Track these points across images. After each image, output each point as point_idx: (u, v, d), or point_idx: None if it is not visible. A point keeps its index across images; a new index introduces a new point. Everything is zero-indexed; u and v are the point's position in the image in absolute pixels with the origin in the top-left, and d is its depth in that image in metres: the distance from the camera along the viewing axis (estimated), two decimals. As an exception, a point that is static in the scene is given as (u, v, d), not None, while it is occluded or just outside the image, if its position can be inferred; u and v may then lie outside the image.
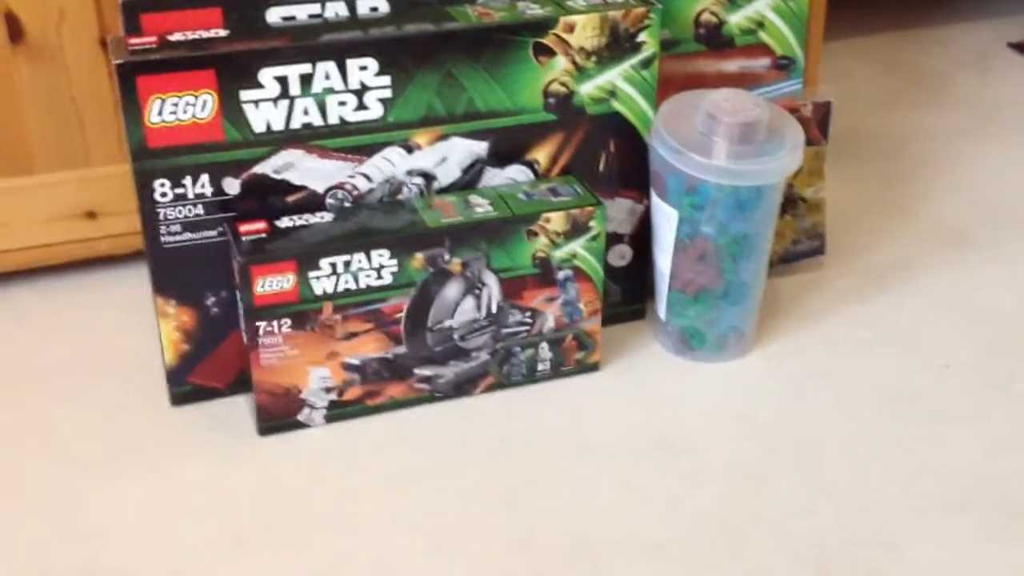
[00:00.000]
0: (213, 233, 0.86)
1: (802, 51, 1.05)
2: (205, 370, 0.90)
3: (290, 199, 0.87)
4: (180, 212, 0.84)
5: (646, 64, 0.93)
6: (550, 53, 0.90)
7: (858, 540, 0.80)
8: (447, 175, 0.91)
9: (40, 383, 0.94)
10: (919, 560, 0.78)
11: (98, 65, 0.96)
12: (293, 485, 0.84)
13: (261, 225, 0.85)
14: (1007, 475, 0.86)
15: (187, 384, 0.90)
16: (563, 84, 0.91)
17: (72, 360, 0.96)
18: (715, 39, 1.01)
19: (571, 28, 0.89)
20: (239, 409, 0.90)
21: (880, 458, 0.87)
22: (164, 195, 0.84)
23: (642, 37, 0.91)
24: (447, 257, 0.88)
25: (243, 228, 0.84)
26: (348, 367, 0.88)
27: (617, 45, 0.91)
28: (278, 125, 0.84)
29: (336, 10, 0.88)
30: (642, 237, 0.99)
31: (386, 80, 0.86)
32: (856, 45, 1.56)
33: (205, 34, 0.84)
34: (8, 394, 0.93)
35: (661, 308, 0.99)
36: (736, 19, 1.01)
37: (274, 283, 0.83)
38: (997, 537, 0.80)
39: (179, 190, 0.84)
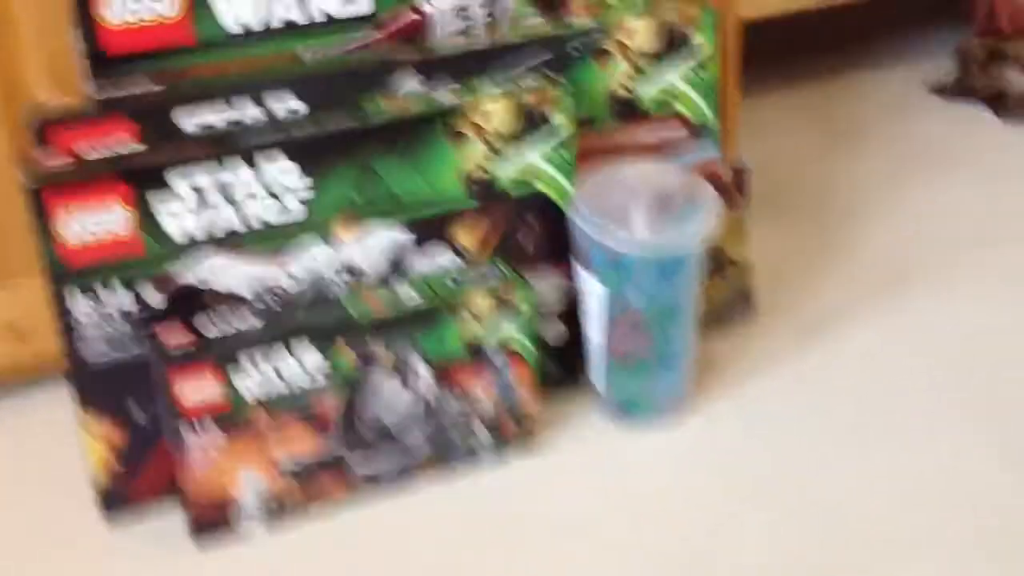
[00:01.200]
0: (138, 347, 0.85)
1: (716, 116, 1.07)
2: (138, 486, 0.89)
3: (215, 306, 0.87)
4: (102, 329, 0.84)
5: (563, 143, 0.94)
6: (466, 139, 0.91)
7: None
8: (372, 266, 0.91)
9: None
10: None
11: (14, 180, 0.96)
12: (235, 595, 0.83)
13: (185, 334, 0.84)
14: (958, 516, 0.86)
15: (120, 501, 0.89)
16: (482, 168, 0.92)
17: (2, 483, 0.94)
18: (630, 112, 1.03)
19: (485, 114, 0.90)
20: (175, 521, 0.89)
21: (826, 509, 0.88)
22: (84, 313, 0.83)
23: (556, 117, 0.93)
24: (377, 351, 0.87)
25: (167, 338, 0.84)
26: (283, 470, 0.87)
27: (532, 127, 0.92)
28: (198, 233, 0.84)
29: (252, 113, 0.89)
30: (573, 312, 1.00)
31: (304, 180, 0.86)
32: (776, 98, 1.59)
33: (119, 148, 0.84)
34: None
35: (598, 379, 0.99)
36: (649, 91, 1.03)
37: (200, 391, 0.82)
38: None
39: (99, 306, 0.83)
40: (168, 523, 0.89)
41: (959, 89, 1.58)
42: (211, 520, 0.86)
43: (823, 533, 0.86)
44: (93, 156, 0.82)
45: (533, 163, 0.94)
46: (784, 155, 1.43)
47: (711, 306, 1.07)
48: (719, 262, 1.06)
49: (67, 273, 0.82)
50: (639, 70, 1.01)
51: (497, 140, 0.92)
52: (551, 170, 0.95)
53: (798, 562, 0.83)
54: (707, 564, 0.83)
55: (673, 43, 1.02)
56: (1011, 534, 0.85)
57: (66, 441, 0.94)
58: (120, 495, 0.89)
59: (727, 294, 1.08)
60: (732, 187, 1.04)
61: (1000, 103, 1.52)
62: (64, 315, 0.83)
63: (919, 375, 1.03)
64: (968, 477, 0.91)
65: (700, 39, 1.02)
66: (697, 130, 1.06)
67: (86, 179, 0.80)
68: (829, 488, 0.90)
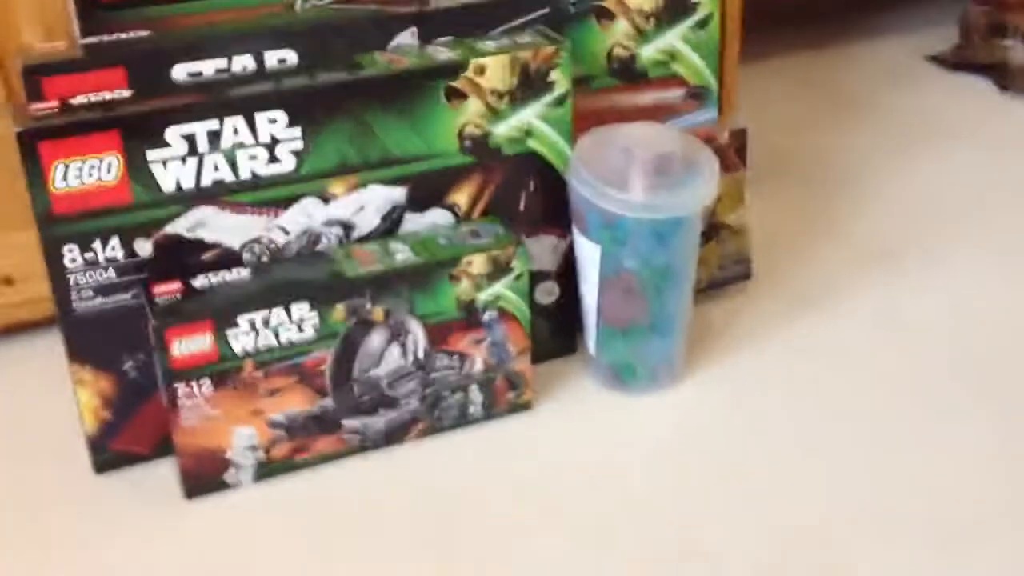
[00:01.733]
0: (127, 296, 0.84)
1: (716, 80, 1.06)
2: (127, 436, 0.88)
3: (205, 257, 0.86)
4: (91, 277, 0.83)
5: (560, 102, 0.93)
6: (462, 96, 0.90)
7: (798, 565, 0.80)
8: (366, 223, 0.90)
9: (-41, 458, 0.92)
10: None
11: (6, 131, 0.94)
12: (224, 549, 0.82)
13: (175, 286, 0.84)
14: (946, 490, 0.86)
15: (109, 451, 0.88)
16: (478, 126, 0.91)
17: (-8, 432, 0.94)
18: (628, 73, 1.01)
19: (482, 70, 0.89)
20: (165, 473, 0.89)
21: (815, 479, 0.88)
22: (74, 261, 0.82)
23: (553, 75, 0.92)
24: (369, 306, 0.87)
25: (157, 290, 0.83)
26: (274, 424, 0.87)
27: (529, 85, 0.91)
28: (188, 183, 0.83)
29: (244, 64, 0.88)
30: (568, 273, 0.99)
31: (296, 132, 0.85)
32: (773, 67, 1.58)
33: (109, 96, 0.82)
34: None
35: (591, 343, 0.98)
36: (648, 52, 1.01)
37: (191, 344, 0.82)
38: (941, 555, 0.80)
39: (89, 255, 0.82)
40: (158, 474, 0.88)
41: (959, 59, 1.57)
42: (201, 472, 0.86)
43: (814, 504, 0.86)
44: (84, 104, 0.81)
45: (530, 122, 0.93)
46: (782, 122, 1.42)
47: (706, 271, 1.06)
48: (715, 227, 1.06)
49: (57, 222, 0.81)
50: (639, 30, 1.00)
51: (494, 98, 0.90)
52: (548, 129, 0.94)
53: (787, 533, 0.83)
54: (694, 533, 0.83)
55: (674, 2, 1.00)
56: (1010, 511, 0.85)
57: (56, 390, 0.94)
58: (110, 445, 0.88)
59: (722, 259, 1.08)
60: (730, 150, 1.03)
61: (1000, 74, 1.51)
62: (54, 264, 0.82)
63: (913, 345, 1.03)
64: (961, 448, 0.91)
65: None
66: (696, 93, 1.05)
67: (76, 127, 0.79)
68: (820, 459, 0.90)
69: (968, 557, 0.80)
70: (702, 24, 1.02)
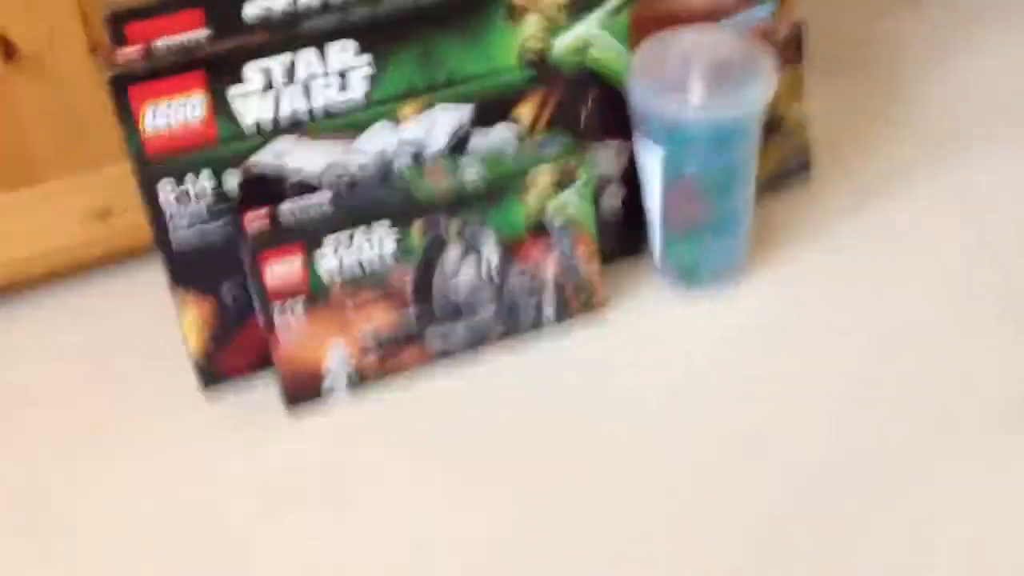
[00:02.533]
0: (220, 225, 0.90)
1: (772, -24, 1.06)
2: (229, 356, 0.95)
3: (288, 185, 0.91)
4: (187, 210, 0.88)
5: (617, 11, 0.95)
6: (522, 12, 0.92)
7: (884, 463, 0.82)
8: (435, 143, 0.94)
9: (72, 377, 0.98)
10: (942, 478, 0.80)
11: (92, 74, 0.99)
12: (324, 456, 0.89)
13: (263, 213, 0.89)
14: (996, 394, 0.87)
15: (214, 370, 0.95)
16: (538, 41, 0.93)
17: (102, 354, 1.00)
18: (683, -24, 1.02)
19: (539, -14, 0.91)
20: (266, 390, 0.95)
21: (888, 380, 0.89)
22: (169, 196, 0.88)
23: (610, -14, 0.93)
24: (444, 223, 0.91)
25: (247, 217, 0.88)
26: (363, 338, 0.93)
27: (586, -4, 0.93)
28: (268, 116, 0.88)
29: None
30: (632, 176, 1.02)
31: (366, 59, 0.89)
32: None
33: (189, 36, 0.87)
34: (43, 389, 0.97)
35: (656, 247, 1.02)
36: (702, -47, 1.02)
37: (282, 267, 0.87)
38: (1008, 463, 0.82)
39: (183, 189, 0.88)
40: (261, 393, 0.95)
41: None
42: (299, 385, 0.93)
43: (884, 408, 0.88)
44: (166, 47, 0.85)
45: (589, 33, 0.95)
46: (841, 12, 1.41)
47: (766, 167, 1.08)
48: (774, 122, 1.07)
49: (151, 161, 0.86)
50: (692, -68, 1.00)
51: (553, 11, 0.92)
52: (607, 38, 0.96)
53: (857, 440, 0.85)
54: (763, 437, 0.86)
55: (727, -97, 1.00)
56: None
57: (159, 317, 1.01)
58: (214, 364, 0.95)
59: (782, 155, 1.09)
60: (788, 43, 1.04)
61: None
62: (151, 200, 0.87)
63: (982, 230, 1.02)
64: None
65: None
66: (752, -9, 1.06)
67: (163, 70, 0.83)
68: (890, 361, 0.91)
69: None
70: (756, -79, 1.02)
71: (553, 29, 0.93)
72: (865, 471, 0.83)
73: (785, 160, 1.10)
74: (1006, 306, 0.95)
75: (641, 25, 0.99)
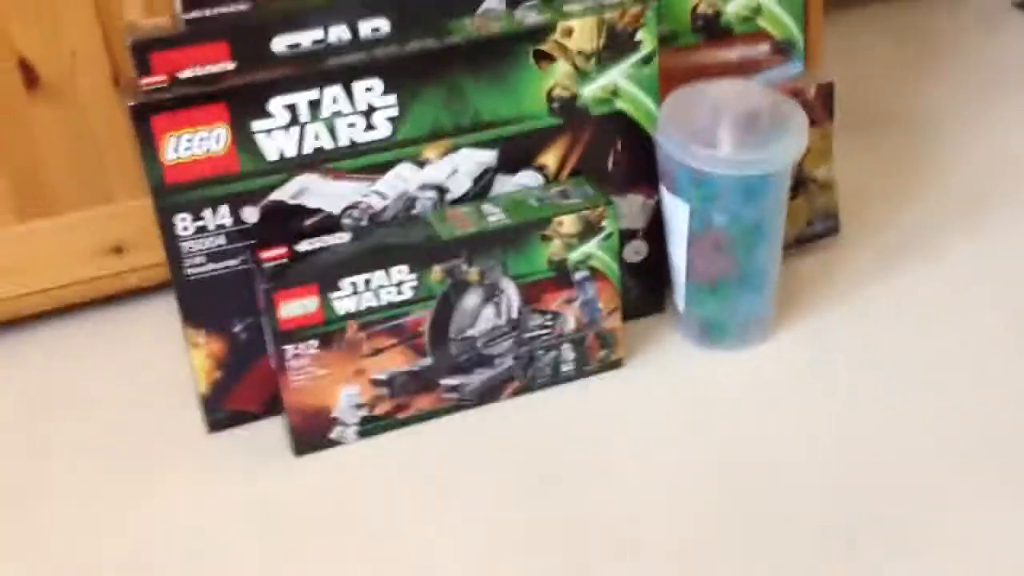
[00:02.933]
0: (236, 261, 0.88)
1: (801, 33, 1.05)
2: (238, 395, 0.92)
3: (308, 223, 0.89)
4: (203, 244, 0.87)
5: (646, 61, 0.94)
6: (550, 59, 0.91)
7: (889, 527, 0.81)
8: (459, 186, 0.93)
9: (79, 417, 0.97)
10: (958, 531, 0.79)
11: (113, 103, 0.99)
12: (332, 501, 0.86)
13: (282, 250, 0.87)
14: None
15: (222, 410, 0.93)
16: (565, 88, 0.92)
17: (109, 393, 0.99)
18: (713, 29, 1.02)
19: (569, 32, 0.90)
20: (274, 431, 0.93)
21: (913, 438, 0.88)
22: (186, 229, 0.86)
23: (639, 35, 0.93)
24: (464, 267, 0.89)
25: (264, 255, 0.87)
26: (376, 383, 0.90)
27: (615, 45, 0.92)
28: (290, 152, 0.86)
29: (339, 34, 0.90)
30: (656, 231, 1.00)
31: (392, 99, 0.88)
32: (861, 15, 1.56)
33: (214, 68, 0.86)
34: (50, 430, 0.96)
35: (680, 300, 1.00)
36: (733, 8, 1.01)
37: (298, 307, 0.85)
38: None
39: (200, 223, 0.86)
40: (267, 431, 0.93)
41: (1051, 5, 1.52)
42: (309, 429, 0.90)
43: (907, 464, 0.86)
44: (191, 77, 0.84)
45: (617, 82, 0.94)
46: (868, 73, 1.41)
47: (794, 226, 1.06)
48: (802, 181, 1.06)
49: (170, 192, 0.84)
50: (724, -14, 1.00)
51: (581, 59, 0.92)
52: (633, 88, 0.95)
53: (879, 495, 0.83)
54: (785, 491, 0.84)
55: (760, -42, 1.00)
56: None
57: (169, 352, 0.99)
58: (222, 404, 0.92)
59: (810, 213, 1.08)
60: (817, 103, 1.03)
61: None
62: (168, 232, 0.86)
63: (1009, 298, 1.01)
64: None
65: (788, -47, 1.01)
66: (782, 47, 1.05)
67: (186, 100, 0.82)
68: (915, 419, 0.90)
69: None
70: (788, -22, 1.02)
71: (581, 76, 0.92)
72: (879, 529, 0.80)
73: (813, 219, 1.08)
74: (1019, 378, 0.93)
75: (670, 76, 0.99)
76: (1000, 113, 1.31)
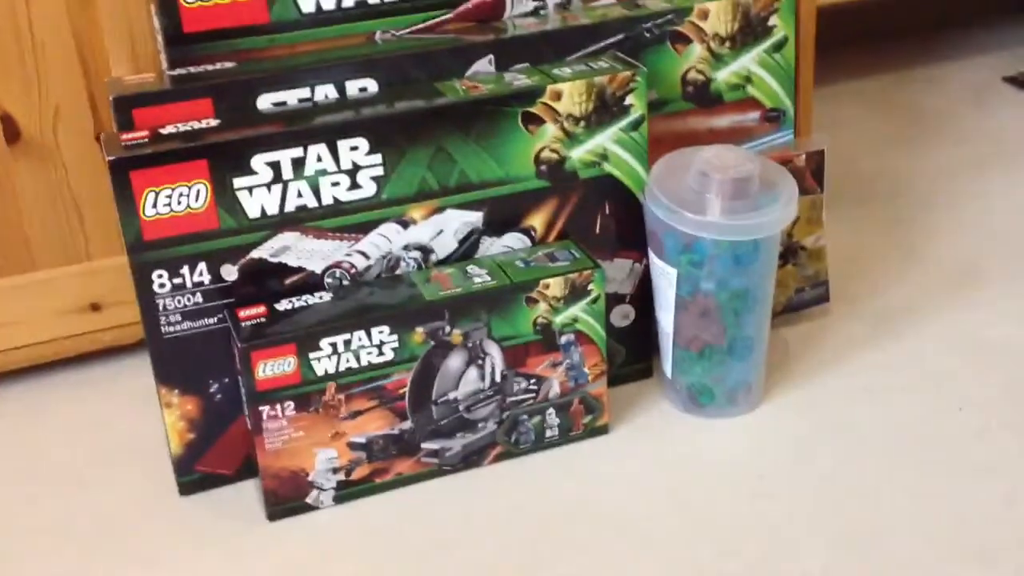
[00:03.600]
0: (213, 320, 0.86)
1: (791, 102, 1.05)
2: (212, 458, 0.90)
3: (288, 281, 0.87)
4: (179, 302, 0.85)
5: (635, 126, 0.93)
6: (539, 121, 0.90)
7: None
8: (444, 247, 0.91)
9: (50, 477, 0.94)
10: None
11: (95, 160, 0.97)
12: (306, 569, 0.83)
13: (260, 309, 0.85)
14: (1012, 540, 0.84)
15: (195, 472, 0.90)
16: (554, 151, 0.92)
17: (82, 454, 0.96)
18: (703, 97, 1.01)
19: (558, 96, 0.90)
20: (248, 494, 0.90)
21: (899, 510, 0.86)
22: (163, 286, 0.84)
23: (629, 100, 0.92)
24: (447, 329, 0.87)
25: (242, 313, 0.85)
26: (354, 446, 0.88)
27: (605, 109, 0.92)
28: (272, 209, 0.85)
29: (326, 93, 0.90)
30: (644, 296, 0.99)
31: (377, 159, 0.87)
32: (850, 88, 1.57)
33: (197, 125, 0.85)
34: (21, 489, 0.93)
35: (667, 366, 0.98)
36: (723, 76, 1.01)
37: (275, 367, 0.83)
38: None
39: (177, 280, 0.84)
40: (242, 495, 0.90)
41: (1039, 79, 1.54)
42: (283, 493, 0.87)
43: (895, 533, 0.84)
44: (172, 134, 0.84)
45: (605, 146, 0.93)
46: (858, 144, 1.41)
47: (783, 294, 1.05)
48: (792, 249, 1.05)
49: (147, 248, 0.83)
50: (714, 54, 1.00)
51: (570, 122, 0.91)
52: (622, 152, 0.94)
53: (869, 563, 0.81)
54: (774, 560, 0.82)
55: (749, 26, 1.00)
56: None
57: (142, 413, 0.96)
58: (195, 467, 0.90)
59: (800, 282, 1.07)
60: (807, 172, 1.02)
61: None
62: (144, 289, 0.84)
63: (997, 370, 1.00)
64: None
65: (777, 22, 1.01)
66: (772, 115, 1.05)
67: (166, 156, 0.81)
68: (902, 488, 0.88)
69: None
70: (777, 47, 1.02)
71: (570, 140, 0.91)
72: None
73: (803, 287, 1.07)
74: (1015, 441, 0.91)
75: (660, 142, 0.98)
76: (988, 187, 1.31)
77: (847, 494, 0.87)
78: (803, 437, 0.94)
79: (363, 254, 0.89)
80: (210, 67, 0.89)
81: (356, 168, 0.86)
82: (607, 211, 0.95)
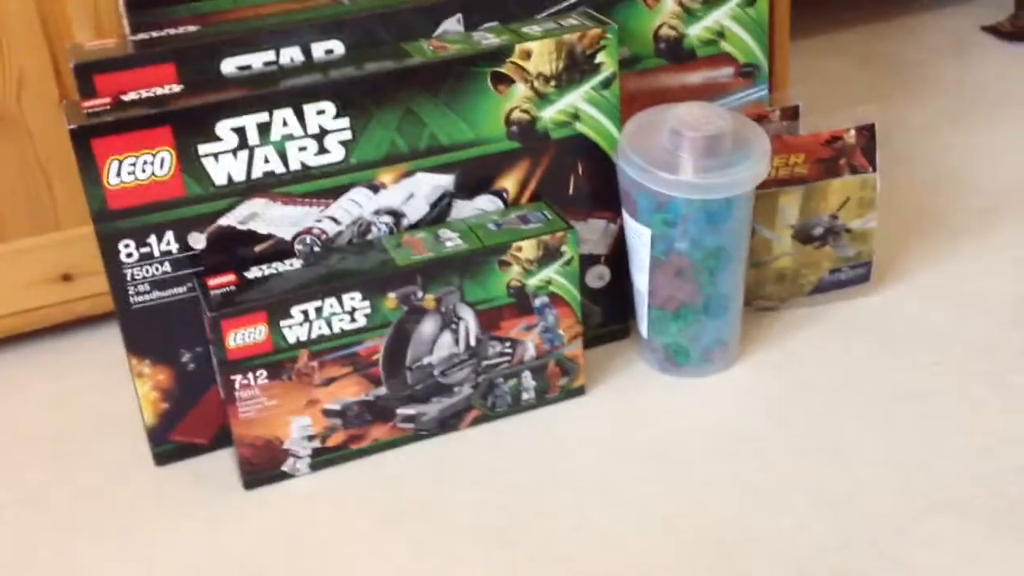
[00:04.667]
0: (183, 289, 0.85)
1: (766, 56, 1.04)
2: (186, 427, 0.89)
3: (258, 249, 0.86)
4: (147, 271, 0.84)
5: (606, 84, 0.92)
6: (509, 81, 0.89)
7: (856, 550, 0.79)
8: (415, 211, 0.91)
9: (26, 449, 0.93)
10: (919, 566, 0.77)
11: (61, 128, 0.95)
12: (283, 537, 0.83)
13: (230, 278, 0.84)
14: (1003, 471, 0.84)
15: (169, 442, 0.90)
16: (525, 111, 0.91)
17: (56, 425, 0.96)
18: (676, 53, 1.00)
19: (528, 55, 0.89)
20: (224, 463, 0.90)
21: (873, 463, 0.86)
22: (130, 255, 0.83)
23: (600, 58, 0.91)
24: (420, 294, 0.87)
25: (212, 282, 0.84)
26: (329, 413, 0.87)
27: (575, 68, 0.90)
28: (239, 176, 0.84)
29: (291, 55, 0.88)
30: (619, 256, 0.98)
31: (345, 122, 0.85)
32: (829, 41, 1.55)
33: (160, 91, 0.83)
34: (-7, 465, 0.93)
35: (643, 326, 0.98)
36: (696, 31, 1.00)
37: (246, 335, 0.83)
38: (997, 536, 0.79)
39: (144, 249, 0.83)
40: (217, 463, 0.90)
41: (1015, 29, 1.53)
42: (259, 462, 0.87)
43: (871, 488, 0.84)
44: (135, 100, 0.82)
45: (577, 105, 0.92)
46: (836, 98, 1.40)
47: (815, 274, 1.02)
48: (833, 230, 1.00)
49: (113, 217, 0.82)
50: (686, 9, 0.98)
51: (540, 82, 0.90)
52: (594, 111, 0.93)
53: (844, 518, 0.82)
54: (750, 518, 0.82)
55: (722, -20, 0.99)
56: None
57: (116, 384, 0.96)
58: (169, 436, 0.89)
59: (836, 263, 1.02)
60: (857, 149, 0.96)
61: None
62: (111, 259, 0.83)
63: (973, 318, 1.00)
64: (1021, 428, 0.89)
65: (750, -24, 1.00)
66: (746, 71, 1.04)
67: (128, 123, 0.80)
68: (878, 442, 0.88)
69: (1023, 537, 0.79)
70: (750, 1, 1.01)
71: (540, 100, 0.90)
72: (847, 551, 0.78)
73: (838, 268, 1.03)
74: (1000, 388, 0.91)
75: (632, 100, 0.97)
76: (970, 135, 1.30)
77: (821, 451, 0.88)
78: (778, 395, 0.94)
79: (333, 220, 0.88)
80: (173, 31, 0.88)
81: (323, 132, 0.85)
82: (580, 171, 0.95)
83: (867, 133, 0.98)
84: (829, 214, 0.98)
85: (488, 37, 0.90)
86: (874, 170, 0.98)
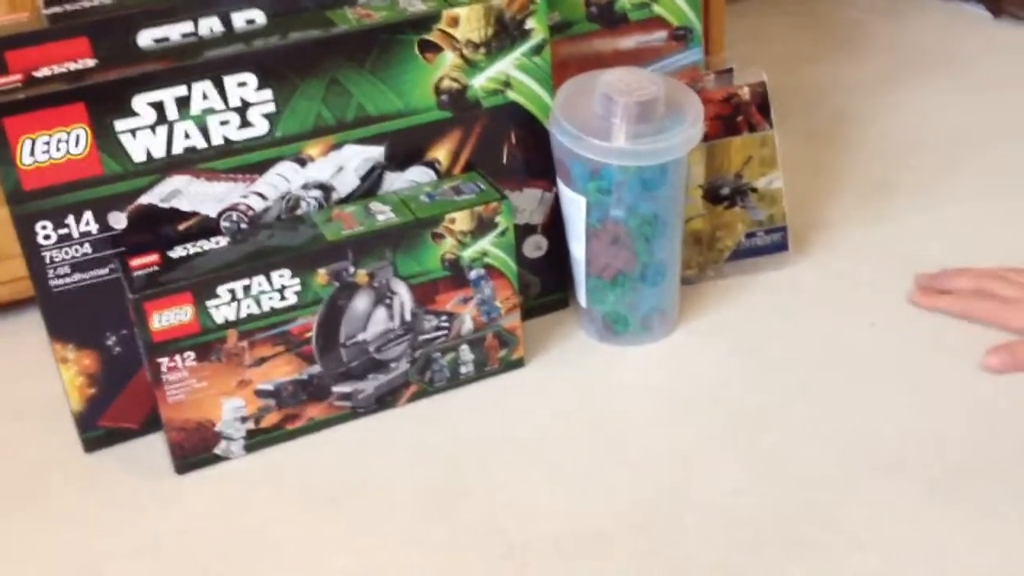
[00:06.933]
0: (104, 271, 0.83)
1: (699, 19, 1.03)
2: (115, 412, 0.87)
3: (181, 227, 0.84)
4: (67, 253, 0.81)
5: (537, 50, 0.91)
6: (437, 49, 0.87)
7: (794, 514, 0.79)
8: (345, 185, 0.89)
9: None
10: (857, 528, 0.77)
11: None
12: (218, 520, 0.82)
13: (153, 258, 0.82)
14: (940, 433, 0.85)
15: (98, 428, 0.87)
16: (454, 79, 0.89)
17: (-19, 414, 0.93)
18: (608, 17, 0.99)
19: (455, 21, 0.87)
20: (156, 448, 0.88)
21: (811, 427, 0.86)
22: (48, 237, 0.80)
23: (530, 23, 0.89)
24: (352, 270, 0.85)
25: (134, 263, 0.82)
26: (262, 393, 0.86)
27: (505, 34, 0.89)
28: (159, 152, 0.81)
29: (211, 26, 0.85)
30: (556, 225, 0.97)
31: (267, 94, 0.83)
32: (767, 1, 1.55)
33: (73, 66, 0.80)
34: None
35: (581, 296, 0.97)
36: (628, -6, 0.99)
37: (171, 316, 0.80)
38: (934, 498, 0.79)
39: (63, 230, 0.81)
40: (148, 448, 0.88)
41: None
42: (191, 445, 0.85)
43: (811, 451, 0.85)
44: (48, 76, 0.79)
45: (508, 72, 0.90)
46: (772, 59, 1.39)
47: (731, 237, 1.01)
48: (740, 190, 1.00)
49: (28, 198, 0.79)
50: (617, -28, 0.97)
51: (468, 48, 0.88)
52: (525, 78, 0.91)
53: (784, 482, 0.82)
54: (692, 483, 0.82)
55: (652, -58, 0.97)
56: (998, 456, 0.83)
57: (45, 368, 0.93)
58: (98, 422, 0.87)
59: (751, 226, 1.02)
60: (752, 107, 0.97)
61: (995, 1, 1.47)
62: (28, 241, 0.80)
63: (910, 279, 1.01)
64: (959, 390, 0.89)
65: (680, -63, 0.98)
66: (679, 34, 1.03)
67: (40, 101, 0.77)
68: (818, 405, 0.89)
69: (959, 499, 0.79)
70: (682, -37, 1.00)
71: (470, 67, 0.89)
72: (786, 514, 0.78)
73: (754, 232, 1.02)
74: (937, 349, 0.92)
75: (565, 66, 0.96)
76: (907, 95, 1.31)
77: (759, 415, 0.88)
78: (717, 361, 0.94)
79: (260, 195, 0.86)
80: (87, 3, 0.85)
81: (246, 105, 0.83)
82: (513, 140, 0.93)
83: (759, 89, 0.98)
84: (734, 172, 0.98)
85: (415, 3, 0.88)
86: (771, 127, 0.99)
